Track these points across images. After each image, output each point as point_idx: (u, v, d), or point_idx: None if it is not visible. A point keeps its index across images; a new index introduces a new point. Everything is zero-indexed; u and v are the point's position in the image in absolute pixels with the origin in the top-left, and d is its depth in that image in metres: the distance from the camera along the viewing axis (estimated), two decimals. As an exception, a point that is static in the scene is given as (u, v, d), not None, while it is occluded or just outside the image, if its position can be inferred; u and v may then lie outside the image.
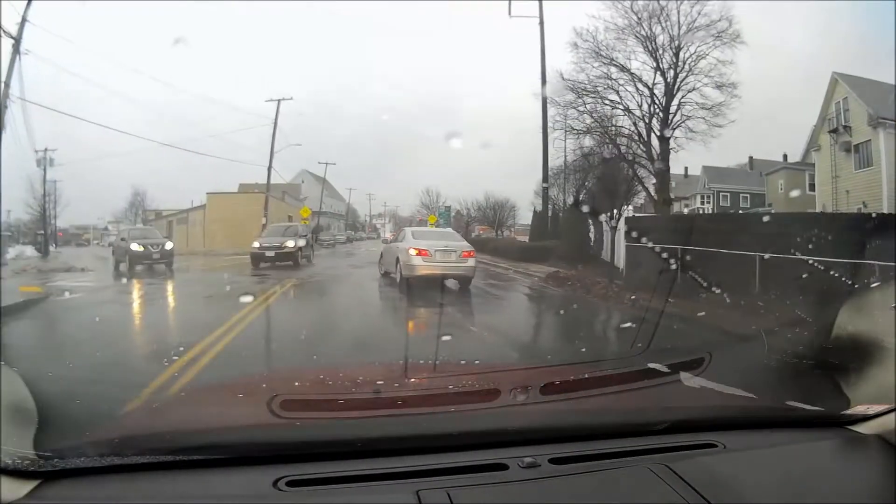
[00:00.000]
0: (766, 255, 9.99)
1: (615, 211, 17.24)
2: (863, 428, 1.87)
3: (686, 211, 28.70)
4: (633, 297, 9.83)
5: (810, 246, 8.28)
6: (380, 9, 39.30)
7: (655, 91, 18.58)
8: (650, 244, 11.12)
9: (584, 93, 18.58)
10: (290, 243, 19.49)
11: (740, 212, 23.82)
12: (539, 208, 25.25)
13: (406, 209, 37.80)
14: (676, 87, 18.23)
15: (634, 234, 13.35)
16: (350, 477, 1.53)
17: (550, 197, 24.11)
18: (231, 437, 1.67)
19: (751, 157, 32.06)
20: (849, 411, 1.95)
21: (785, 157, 28.76)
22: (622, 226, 15.69)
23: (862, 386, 2.05)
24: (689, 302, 8.78)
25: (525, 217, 30.41)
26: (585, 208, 19.14)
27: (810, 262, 7.72)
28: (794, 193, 25.06)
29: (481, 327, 8.80)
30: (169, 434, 1.69)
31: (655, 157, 18.16)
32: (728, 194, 32.15)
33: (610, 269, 15.28)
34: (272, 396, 1.79)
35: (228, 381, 3.06)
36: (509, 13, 22.69)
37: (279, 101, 24.38)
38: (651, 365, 2.29)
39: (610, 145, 18.79)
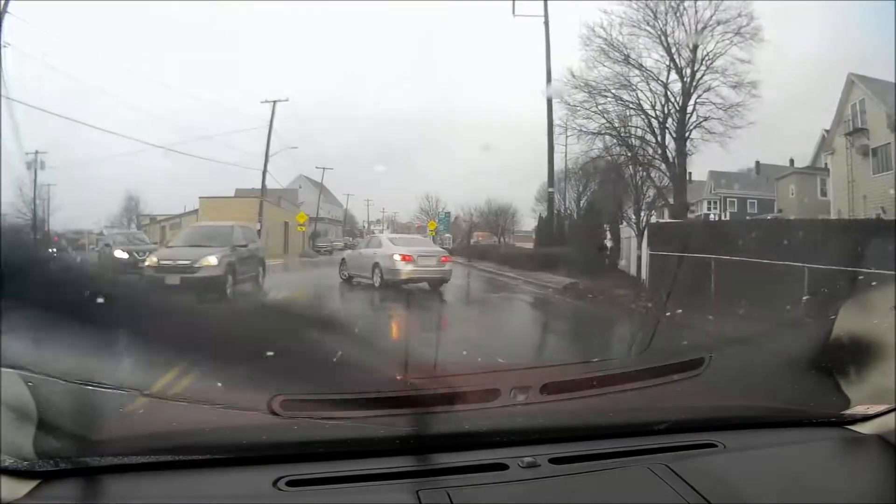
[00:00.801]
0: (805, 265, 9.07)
1: (640, 217, 16.24)
2: (863, 428, 1.88)
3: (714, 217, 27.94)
4: (668, 315, 8.82)
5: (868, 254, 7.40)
6: (378, 9, 38.54)
7: (671, 90, 17.72)
8: (679, 253, 10.17)
9: (595, 92, 17.70)
10: (212, 259, 11.35)
11: (769, 217, 22.99)
12: (544, 213, 24.36)
13: (405, 215, 37.07)
14: (693, 85, 17.40)
15: (659, 242, 12.38)
16: (350, 477, 1.55)
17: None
18: (231, 436, 1.68)
19: (757, 162, 31.39)
20: (849, 411, 1.95)
21: (791, 161, 28.08)
22: (644, 233, 14.71)
23: (862, 386, 2.04)
24: (728, 318, 7.89)
25: (525, 223, 29.52)
26: (601, 214, 18.21)
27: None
28: (806, 199, 24.35)
29: (508, 356, 7.65)
30: (169, 434, 1.71)
31: (671, 159, 17.30)
32: (735, 200, 31.49)
33: (631, 281, 14.21)
34: (272, 396, 1.79)
35: (228, 381, 3.00)
36: (513, 12, 21.66)
37: (274, 102, 23.46)
38: (650, 365, 2.29)
39: (623, 147, 17.89)
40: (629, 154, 17.59)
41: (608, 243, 17.81)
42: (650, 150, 17.61)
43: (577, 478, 1.58)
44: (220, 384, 2.69)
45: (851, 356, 2.10)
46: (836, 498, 1.57)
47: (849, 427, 1.91)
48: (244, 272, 12.65)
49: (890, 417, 1.83)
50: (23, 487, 1.43)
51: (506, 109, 29.74)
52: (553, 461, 1.62)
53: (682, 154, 17.18)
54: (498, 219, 28.90)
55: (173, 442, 1.61)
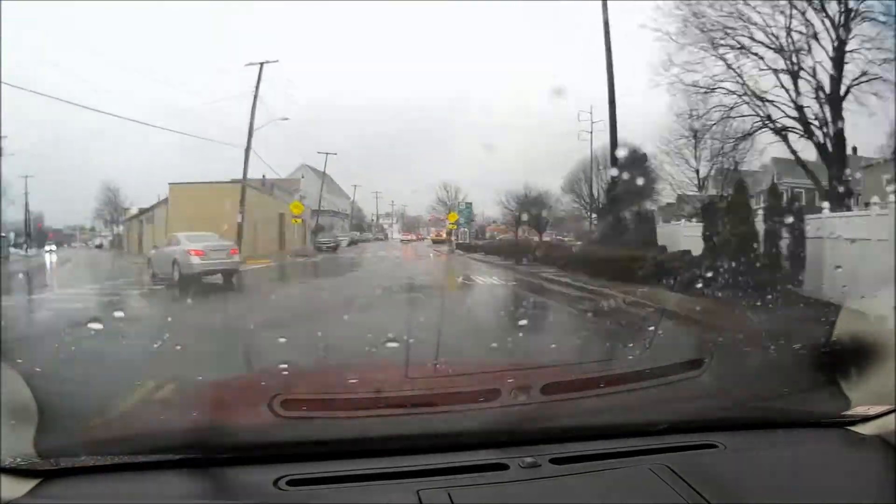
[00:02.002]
0: None
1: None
2: (863, 428, 1.88)
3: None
4: None
5: None
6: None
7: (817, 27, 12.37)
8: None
9: (704, 25, 12.39)
10: None
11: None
12: (571, 203, 19.67)
13: (419, 207, 33.06)
14: (851, 17, 12.26)
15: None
16: (351, 476, 1.56)
17: (581, 193, 18.40)
18: (231, 435, 1.69)
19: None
20: (849, 412, 1.95)
21: (854, 149, 23.40)
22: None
23: (862, 386, 2.01)
24: None
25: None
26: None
27: None
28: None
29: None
30: (169, 433, 1.73)
31: (822, 126, 12.24)
32: (802, 191, 26.88)
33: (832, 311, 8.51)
34: (273, 395, 1.79)
35: (229, 379, 2.92)
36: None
37: (261, 64, 18.40)
38: (651, 366, 2.32)
39: (755, 105, 12.75)
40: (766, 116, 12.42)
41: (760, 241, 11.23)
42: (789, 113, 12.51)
43: (577, 478, 1.60)
44: (220, 382, 2.52)
45: None
46: (836, 499, 1.56)
47: (849, 428, 1.91)
48: None
49: (890, 418, 1.82)
50: (23, 486, 1.45)
51: (543, 78, 24.91)
52: (554, 461, 1.64)
53: (838, 118, 12.22)
54: (538, 208, 23.43)
55: (174, 441, 1.62)
